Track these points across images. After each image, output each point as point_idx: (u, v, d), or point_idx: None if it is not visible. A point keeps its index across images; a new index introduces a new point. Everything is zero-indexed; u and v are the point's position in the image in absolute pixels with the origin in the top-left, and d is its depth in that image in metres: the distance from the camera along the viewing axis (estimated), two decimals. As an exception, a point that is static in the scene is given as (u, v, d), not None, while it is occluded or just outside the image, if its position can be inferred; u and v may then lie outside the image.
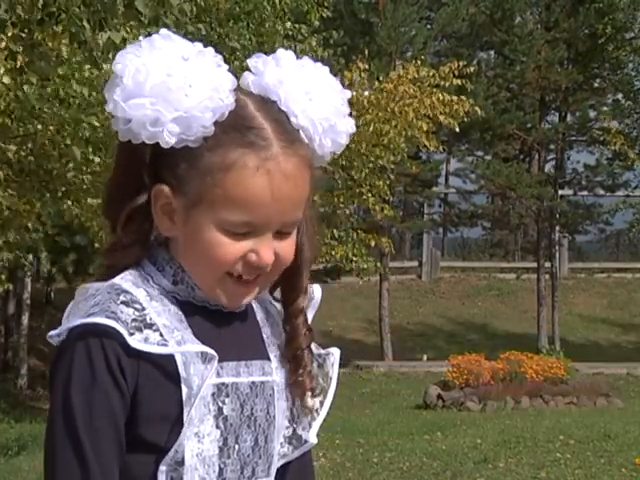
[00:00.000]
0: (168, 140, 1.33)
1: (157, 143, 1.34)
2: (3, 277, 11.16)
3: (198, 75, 1.33)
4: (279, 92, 1.39)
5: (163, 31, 1.37)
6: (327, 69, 1.45)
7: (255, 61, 1.42)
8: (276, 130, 1.36)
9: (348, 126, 1.44)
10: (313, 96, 1.40)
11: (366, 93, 14.94)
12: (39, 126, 8.95)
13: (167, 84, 1.32)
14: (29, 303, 22.43)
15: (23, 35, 6.33)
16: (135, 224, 1.40)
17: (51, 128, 9.01)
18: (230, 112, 1.35)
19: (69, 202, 10.57)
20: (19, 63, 6.93)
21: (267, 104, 1.39)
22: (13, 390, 21.23)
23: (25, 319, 22.29)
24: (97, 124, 8.91)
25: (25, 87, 7.97)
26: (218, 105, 1.33)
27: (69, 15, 5.55)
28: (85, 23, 5.45)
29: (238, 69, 10.45)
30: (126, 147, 1.37)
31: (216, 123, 1.34)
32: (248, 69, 1.43)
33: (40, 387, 20.86)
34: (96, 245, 12.01)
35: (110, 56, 6.36)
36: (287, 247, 1.41)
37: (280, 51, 1.43)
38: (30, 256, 19.75)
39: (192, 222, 1.37)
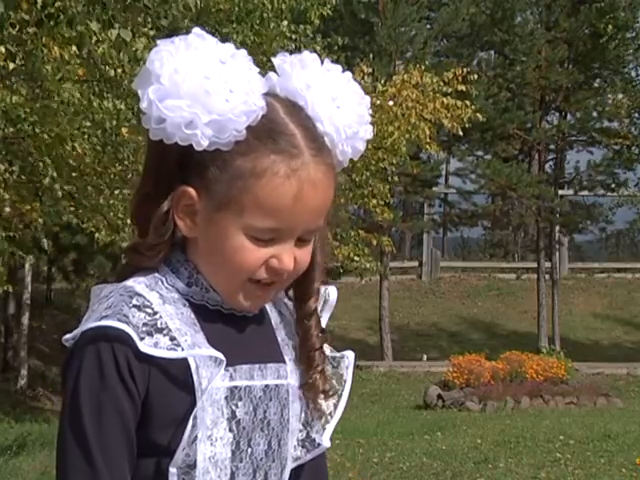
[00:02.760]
0: (202, 142, 1.32)
1: (187, 145, 1.33)
2: (5, 278, 11.15)
3: (237, 79, 1.32)
4: (306, 97, 1.38)
5: (197, 30, 1.36)
6: (349, 74, 1.43)
7: (281, 61, 1.41)
8: (306, 137, 1.35)
9: (367, 133, 1.44)
10: (340, 103, 1.39)
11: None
12: (29, 127, 8.97)
13: (205, 87, 1.31)
14: (29, 303, 22.40)
15: (24, 36, 6.33)
16: (161, 227, 1.38)
17: (38, 134, 9.04)
18: (261, 116, 1.34)
19: (64, 203, 10.59)
20: (11, 66, 6.92)
21: (295, 109, 1.38)
22: (13, 390, 21.22)
23: (25, 319, 22.27)
24: (79, 150, 8.93)
25: (14, 98, 7.98)
26: (252, 109, 1.32)
27: (70, 16, 5.54)
28: (94, 22, 5.44)
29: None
30: (157, 149, 1.37)
31: (248, 127, 1.33)
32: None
33: (40, 387, 20.86)
34: (96, 243, 12.04)
35: (122, 55, 6.35)
36: (305, 254, 1.40)
37: (306, 53, 1.42)
38: (30, 256, 19.78)
39: (216, 225, 1.36)
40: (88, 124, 9.15)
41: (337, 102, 1.39)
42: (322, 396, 1.48)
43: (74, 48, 6.91)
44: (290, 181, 1.33)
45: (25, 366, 21.73)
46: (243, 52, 1.36)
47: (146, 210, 1.39)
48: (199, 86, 1.31)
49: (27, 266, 21.41)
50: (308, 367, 1.47)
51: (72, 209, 10.73)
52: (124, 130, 9.06)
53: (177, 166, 1.37)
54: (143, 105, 1.33)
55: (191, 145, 1.33)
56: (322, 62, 1.43)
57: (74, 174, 9.88)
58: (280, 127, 1.35)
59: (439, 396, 16.38)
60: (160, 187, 1.38)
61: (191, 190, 1.37)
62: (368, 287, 27.97)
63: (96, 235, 11.17)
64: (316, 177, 1.35)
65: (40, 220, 10.54)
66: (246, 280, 1.38)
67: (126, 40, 5.66)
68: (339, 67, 1.43)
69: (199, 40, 1.34)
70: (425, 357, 24.13)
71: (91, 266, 21.61)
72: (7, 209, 9.58)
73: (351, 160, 1.46)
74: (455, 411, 15.52)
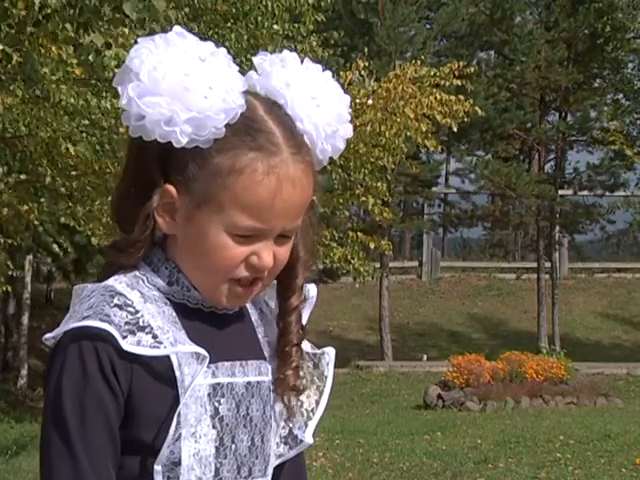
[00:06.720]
0: (181, 140, 1.33)
1: (167, 142, 1.34)
2: (2, 279, 11.16)
3: (216, 77, 1.33)
4: (286, 95, 1.39)
5: (177, 28, 1.37)
6: (329, 73, 1.44)
7: (261, 60, 1.42)
8: (285, 135, 1.37)
9: (347, 132, 1.45)
10: (320, 102, 1.40)
11: (369, 101, 14.86)
12: (25, 128, 9.01)
13: (184, 84, 1.32)
14: (29, 303, 22.42)
15: (21, 36, 6.33)
16: (143, 224, 1.40)
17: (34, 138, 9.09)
18: (241, 114, 1.35)
19: (61, 206, 10.62)
20: (13, 62, 6.94)
21: (275, 107, 1.39)
22: (13, 390, 21.24)
23: (25, 319, 22.29)
24: (72, 152, 8.96)
25: (9, 99, 7.99)
26: (231, 107, 1.33)
27: (60, 17, 5.55)
28: (67, 25, 5.44)
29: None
30: (136, 145, 1.38)
31: (227, 125, 1.34)
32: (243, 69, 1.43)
33: (40, 387, 20.85)
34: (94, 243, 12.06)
35: (90, 58, 6.36)
36: (285, 251, 1.41)
37: (285, 52, 1.43)
38: (30, 256, 19.77)
39: (196, 223, 1.37)
40: (86, 122, 9.17)
41: (317, 101, 1.40)
42: (291, 393, 1.48)
43: (71, 48, 6.92)
44: (269, 178, 1.34)
45: (25, 366, 21.75)
46: (223, 50, 1.37)
47: (126, 207, 1.40)
48: (178, 83, 1.32)
49: (27, 266, 21.42)
50: (283, 362, 1.47)
51: (69, 211, 10.75)
52: (122, 129, 9.08)
53: (156, 163, 1.38)
54: (123, 102, 1.34)
55: (170, 142, 1.33)
56: (302, 61, 1.44)
57: (73, 173, 9.89)
58: (259, 125, 1.36)
59: (439, 396, 16.37)
60: (139, 184, 1.39)
61: (171, 188, 1.38)
62: (368, 287, 27.95)
63: (92, 239, 11.20)
64: (295, 175, 1.36)
65: (36, 222, 10.56)
66: (227, 278, 1.38)
67: (97, 46, 5.65)
68: (318, 66, 1.44)
69: (179, 38, 1.35)
70: (425, 357, 24.11)
71: (90, 265, 21.62)
72: (5, 210, 9.60)
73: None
74: (455, 411, 15.51)
